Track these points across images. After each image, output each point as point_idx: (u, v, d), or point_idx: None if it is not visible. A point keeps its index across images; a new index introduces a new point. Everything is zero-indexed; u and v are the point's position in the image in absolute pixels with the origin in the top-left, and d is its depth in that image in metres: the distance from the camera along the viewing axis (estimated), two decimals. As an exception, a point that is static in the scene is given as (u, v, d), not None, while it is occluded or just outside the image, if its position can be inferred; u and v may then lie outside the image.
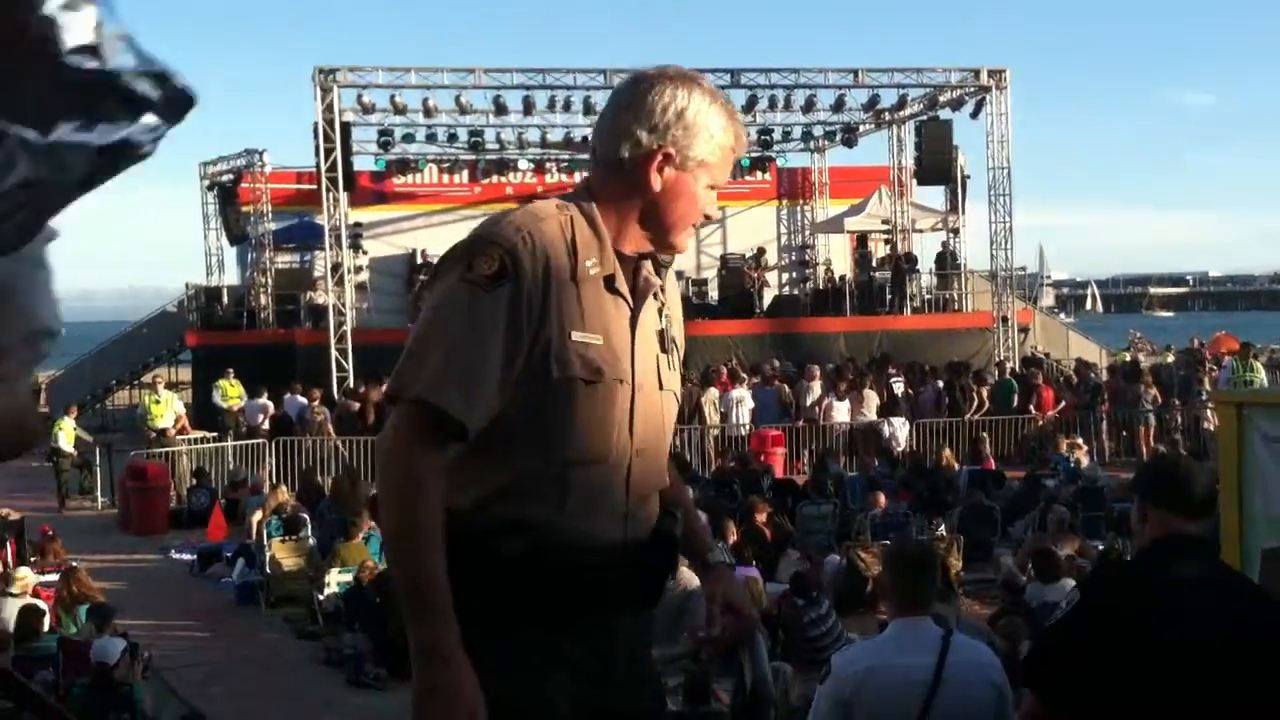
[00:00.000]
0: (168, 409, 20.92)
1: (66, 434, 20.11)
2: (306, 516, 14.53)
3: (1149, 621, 3.32)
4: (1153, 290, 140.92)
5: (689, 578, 11.83)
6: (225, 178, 30.52)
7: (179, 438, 20.58)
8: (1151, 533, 3.54)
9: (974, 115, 26.58)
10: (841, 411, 21.31)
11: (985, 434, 20.29)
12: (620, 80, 2.57)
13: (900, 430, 20.87)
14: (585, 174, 2.62)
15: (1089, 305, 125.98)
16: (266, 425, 20.72)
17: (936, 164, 27.39)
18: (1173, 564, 3.43)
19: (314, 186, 25.76)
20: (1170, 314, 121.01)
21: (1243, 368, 21.58)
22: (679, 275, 29.57)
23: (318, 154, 24.25)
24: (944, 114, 27.62)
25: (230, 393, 22.93)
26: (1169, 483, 3.59)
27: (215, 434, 21.24)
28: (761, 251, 29.58)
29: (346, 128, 25.07)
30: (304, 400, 21.56)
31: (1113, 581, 3.93)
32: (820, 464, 17.99)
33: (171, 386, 26.34)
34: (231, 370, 23.55)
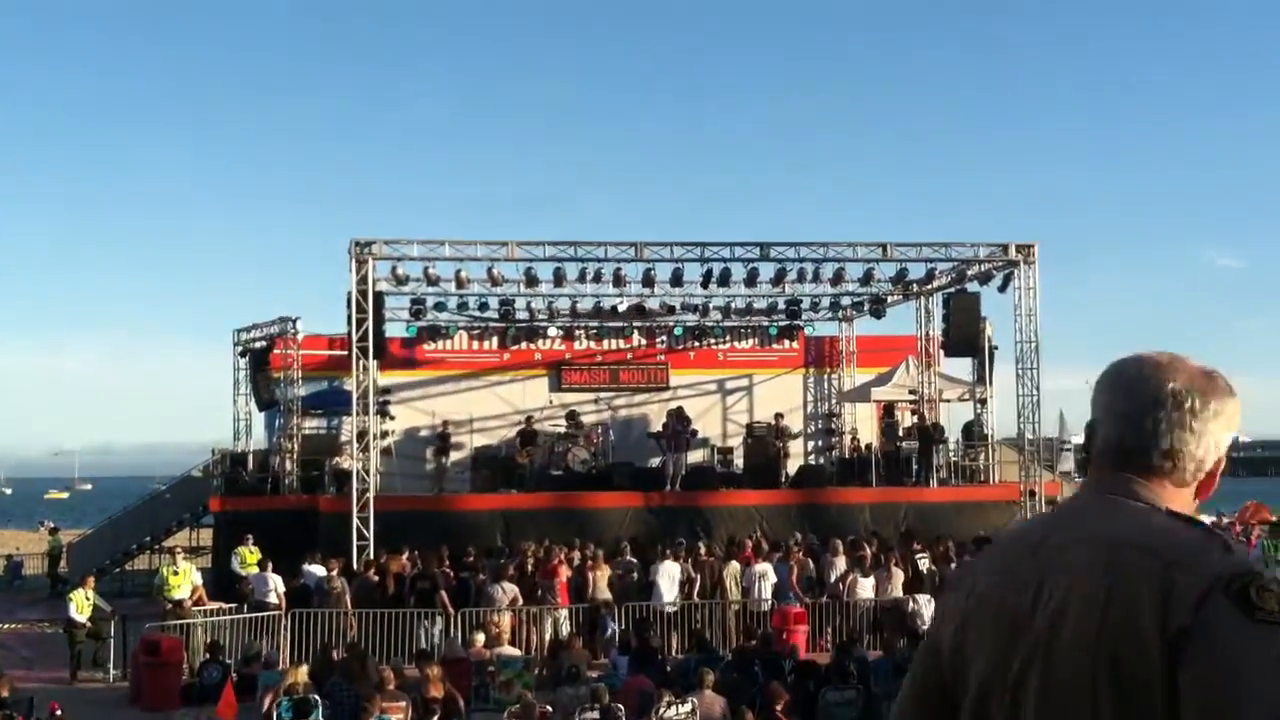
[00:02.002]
0: (185, 580, 20.78)
1: (79, 604, 20.00)
2: (317, 698, 14.26)
3: None
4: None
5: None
6: (258, 344, 30.92)
7: (195, 609, 20.39)
8: None
9: (1002, 289, 26.70)
10: (867, 588, 20.98)
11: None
12: (1176, 383, 2.29)
13: (926, 608, 20.45)
14: (1132, 481, 2.27)
15: None
16: (274, 600, 20.52)
17: (964, 335, 27.46)
18: None
19: (344, 353, 26.04)
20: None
21: (1274, 546, 21.19)
22: (704, 442, 29.82)
23: (350, 323, 24.58)
24: (972, 286, 27.77)
25: (249, 560, 22.86)
26: None
27: (233, 604, 21.04)
28: (780, 417, 29.52)
29: (380, 298, 25.46)
30: (322, 570, 21.40)
31: None
32: (843, 647, 17.60)
33: (192, 551, 26.28)
34: (250, 537, 23.50)
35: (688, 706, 14.13)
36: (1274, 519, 25.25)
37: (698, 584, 21.35)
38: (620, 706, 14.00)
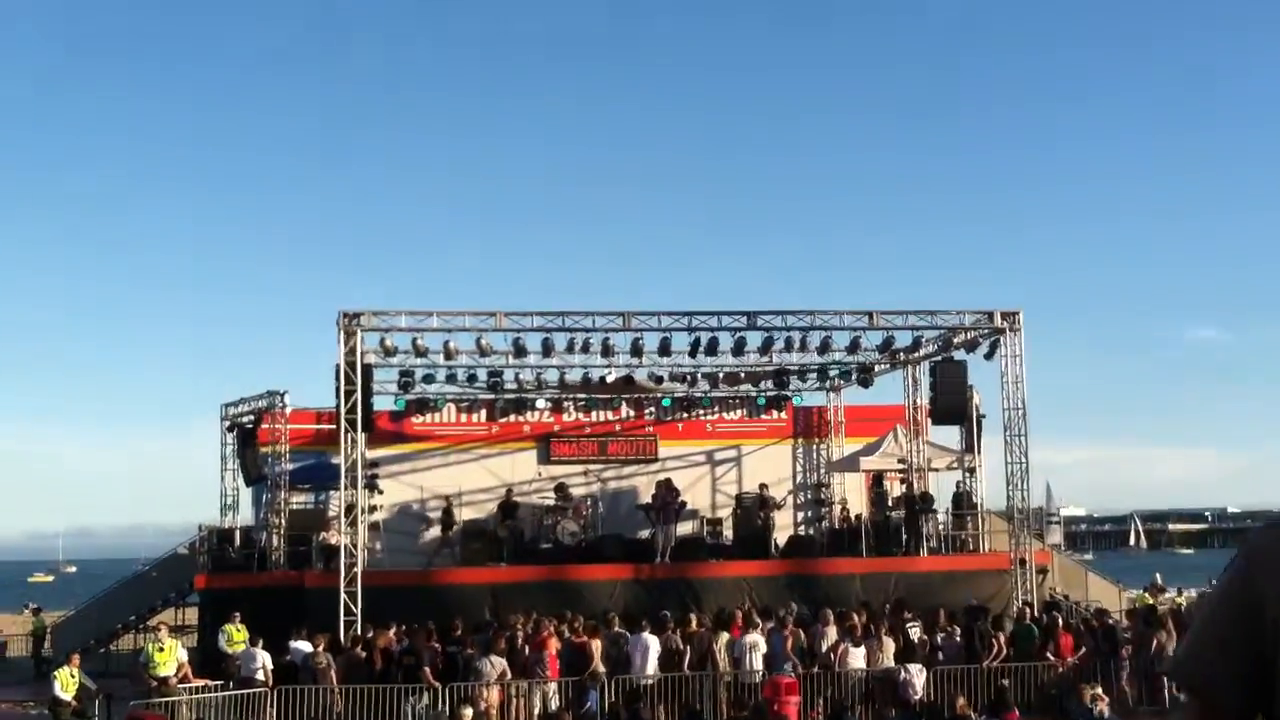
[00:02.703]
0: (170, 657, 20.60)
1: (64, 682, 19.78)
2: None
3: None
4: (1172, 527, 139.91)
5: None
6: (246, 419, 30.87)
7: (180, 686, 20.17)
8: None
9: (988, 356, 26.82)
10: (858, 658, 20.85)
11: (1006, 681, 19.79)
12: None
13: (917, 678, 20.35)
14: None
15: (1132, 541, 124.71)
16: (261, 676, 20.32)
17: (951, 404, 27.53)
18: None
19: (332, 427, 26.02)
20: (1190, 550, 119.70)
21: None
22: (693, 514, 29.70)
23: (338, 395, 24.58)
24: (958, 354, 27.90)
25: (236, 637, 22.67)
26: None
27: (220, 681, 20.83)
28: (764, 487, 29.49)
29: (368, 370, 25.50)
30: (309, 646, 21.21)
31: None
32: (836, 716, 17.47)
33: (178, 629, 26.03)
34: (238, 614, 23.31)
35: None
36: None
37: (686, 656, 21.20)
38: (610, 779, 13.84)
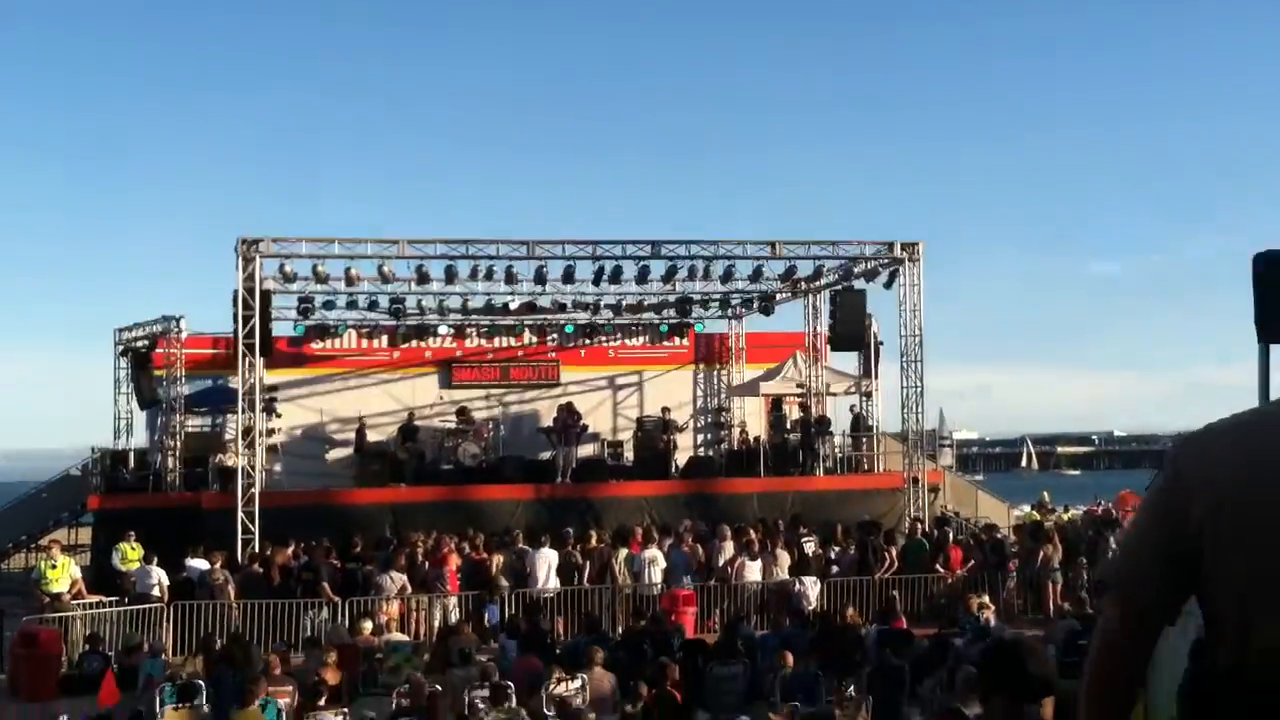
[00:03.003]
0: (64, 573, 20.32)
1: (-47, 599, 19.43)
2: (201, 683, 14.06)
3: None
4: (1060, 450, 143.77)
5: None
6: (140, 343, 30.29)
7: (74, 602, 19.94)
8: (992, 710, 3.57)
9: (887, 286, 27.25)
10: (754, 571, 21.28)
11: (895, 592, 20.37)
12: None
13: (811, 589, 20.84)
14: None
15: (1024, 462, 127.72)
16: (156, 593, 20.17)
17: (850, 331, 27.96)
18: None
19: (230, 351, 25.68)
20: (1077, 472, 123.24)
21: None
22: (594, 437, 29.89)
23: (236, 321, 24.22)
24: (859, 284, 28.28)
25: (130, 556, 22.37)
26: (1003, 668, 3.62)
27: (114, 598, 20.63)
28: (666, 410, 29.76)
29: (267, 295, 25.12)
30: (205, 564, 21.08)
31: None
32: (731, 625, 17.85)
33: (70, 549, 25.63)
34: (133, 533, 23.01)
35: (577, 683, 14.24)
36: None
37: (586, 570, 21.48)
38: (510, 685, 14.03)
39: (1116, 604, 2.68)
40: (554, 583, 20.83)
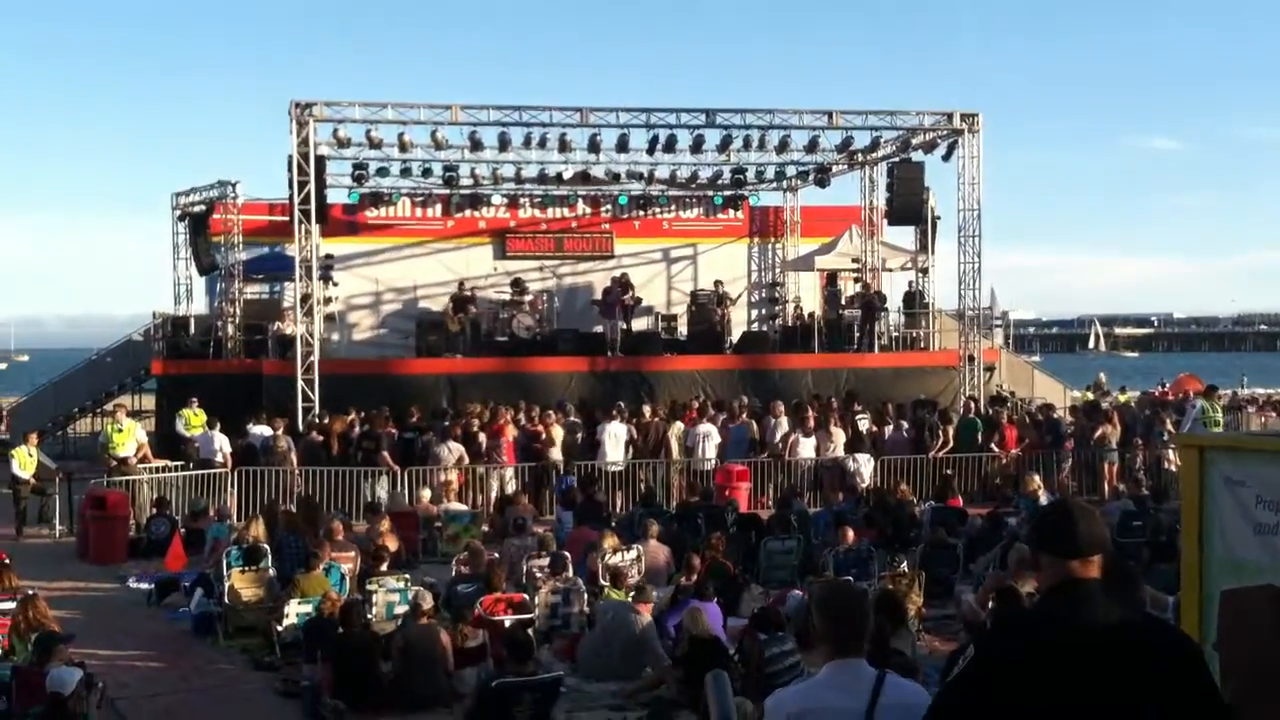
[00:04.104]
0: (129, 437, 20.74)
1: (22, 461, 19.87)
2: (267, 547, 14.39)
3: (1042, 671, 3.32)
4: (1118, 331, 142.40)
5: (646, 612, 11.82)
6: (197, 208, 30.42)
7: (140, 466, 20.38)
8: (1045, 580, 3.55)
9: (945, 158, 26.81)
10: (807, 448, 21.37)
11: (950, 471, 20.41)
12: None
13: (865, 467, 20.93)
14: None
15: (1091, 344, 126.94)
16: (220, 459, 20.55)
17: (907, 205, 27.57)
18: (1064, 612, 3.43)
19: (286, 218, 25.71)
20: (1135, 354, 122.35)
21: (1211, 408, 21.90)
22: (648, 310, 29.84)
23: (291, 186, 24.22)
24: (916, 156, 27.81)
25: (194, 422, 22.77)
26: (1053, 528, 3.60)
27: (178, 463, 21.06)
28: (719, 283, 29.64)
29: (321, 161, 25.08)
30: (268, 430, 21.42)
31: (1006, 633, 3.89)
32: (785, 500, 18.00)
33: (134, 415, 26.12)
34: (195, 399, 23.40)
35: (633, 554, 14.44)
36: (1203, 387, 25.91)
37: (641, 444, 21.65)
38: (567, 554, 14.26)
39: None
40: (621, 456, 21.00)
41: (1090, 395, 27.77)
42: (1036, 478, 18.94)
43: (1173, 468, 19.93)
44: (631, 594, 12.38)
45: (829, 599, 4.53)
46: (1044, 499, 17.84)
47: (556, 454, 21.09)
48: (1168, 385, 30.83)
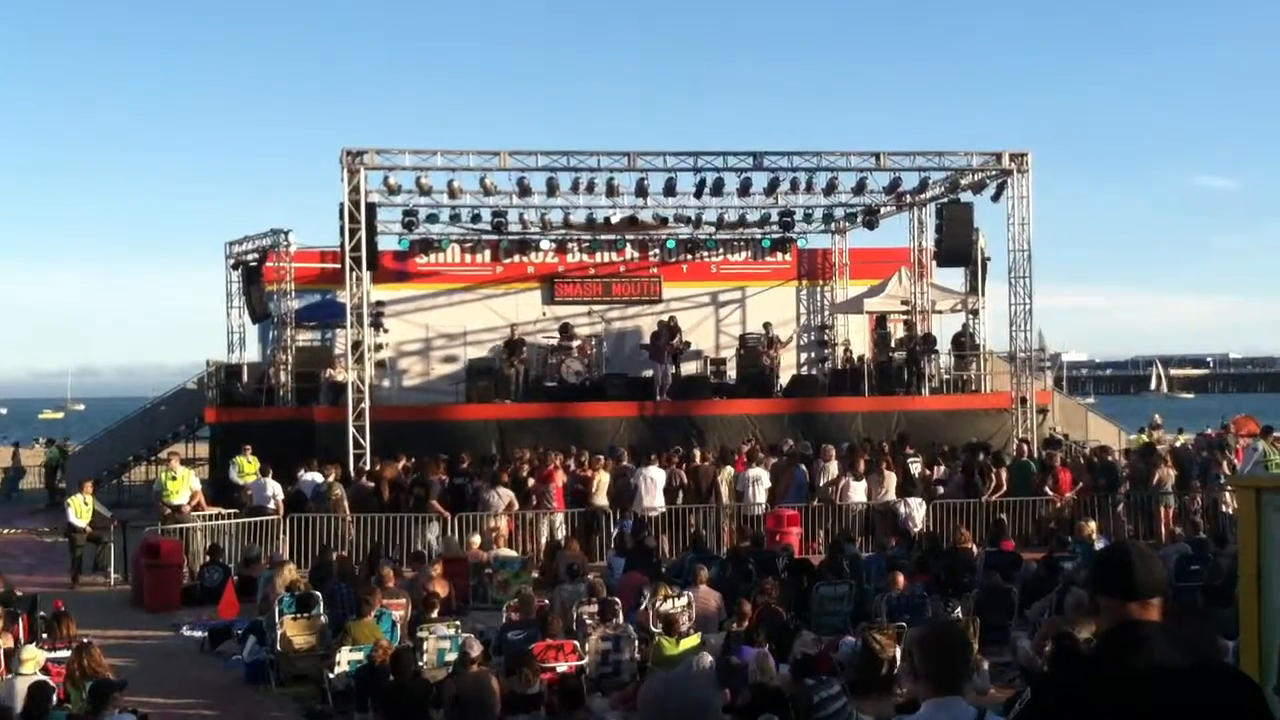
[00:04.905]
0: (184, 485, 20.93)
1: (78, 509, 20.11)
2: (319, 594, 14.44)
3: (1100, 712, 3.26)
4: (1173, 372, 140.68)
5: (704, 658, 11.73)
6: (250, 256, 30.85)
7: (194, 514, 20.56)
8: (1103, 623, 3.51)
9: (995, 198, 26.66)
10: (859, 491, 21.21)
11: (1004, 515, 20.17)
12: None
13: (917, 511, 20.73)
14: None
15: (1153, 385, 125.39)
16: (272, 506, 20.70)
17: (957, 246, 27.43)
18: (1123, 654, 3.37)
19: (337, 265, 25.99)
20: (1191, 395, 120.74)
21: (1274, 450, 21.53)
22: (697, 354, 29.85)
23: (342, 234, 24.50)
24: (965, 196, 27.70)
25: (247, 469, 22.98)
26: (1111, 570, 3.56)
27: (232, 510, 21.22)
28: (768, 326, 29.59)
29: (372, 208, 25.38)
30: (319, 478, 21.55)
31: (1064, 675, 3.86)
32: (836, 544, 17.83)
33: (188, 463, 26.38)
34: (249, 447, 23.61)
35: (684, 600, 14.36)
36: (1260, 429, 25.49)
37: (691, 489, 21.58)
38: (617, 600, 14.20)
39: None
40: (660, 501, 20.95)
41: (1145, 438, 27.35)
42: (1093, 523, 18.67)
43: (1230, 511, 19.59)
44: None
45: (933, 637, 4.52)
46: (1100, 543, 17.59)
47: (602, 499, 21.04)
48: (1228, 423, 30.34)
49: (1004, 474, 21.95)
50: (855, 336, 31.94)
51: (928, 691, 4.31)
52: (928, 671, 4.33)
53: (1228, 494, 20.53)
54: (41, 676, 10.85)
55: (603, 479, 21.29)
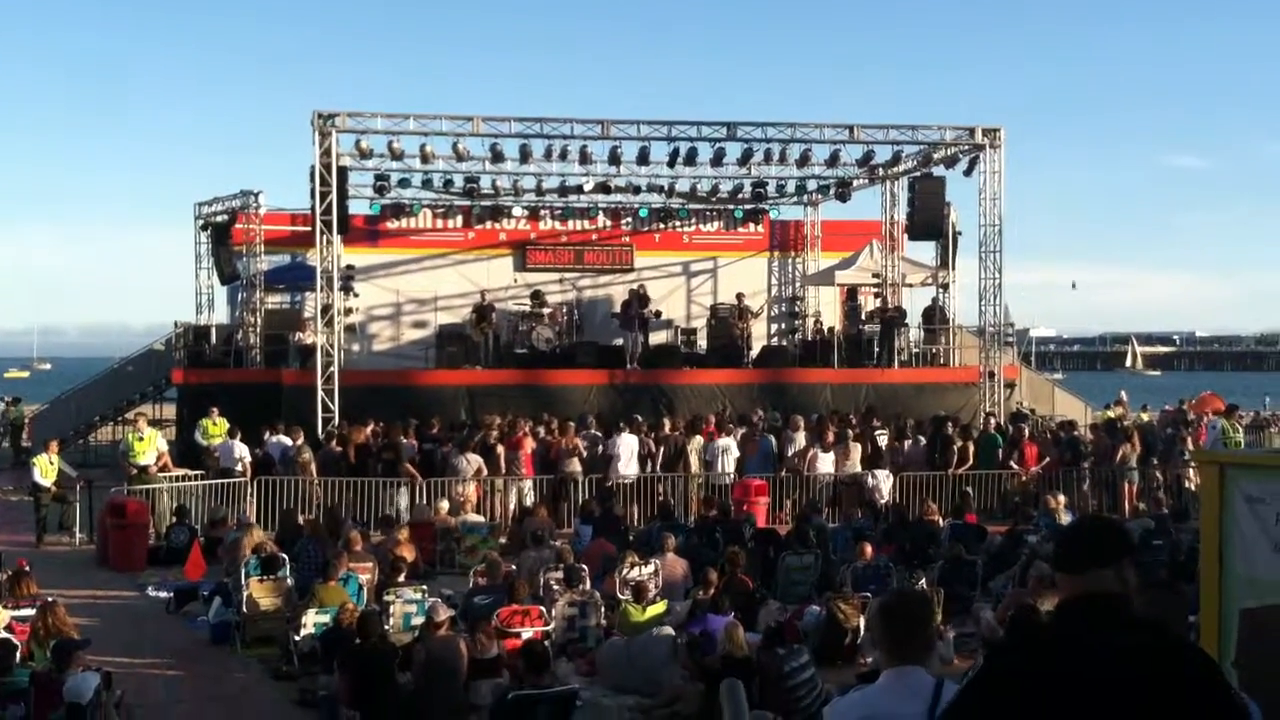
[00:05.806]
0: (150, 446, 20.79)
1: (44, 469, 19.98)
2: (285, 557, 14.41)
3: (1050, 681, 3.30)
4: (1141, 349, 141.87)
5: (665, 629, 11.80)
6: (219, 218, 30.60)
7: (160, 475, 20.45)
8: (1062, 593, 3.54)
9: (967, 173, 26.73)
10: (826, 463, 21.31)
11: (969, 488, 20.33)
12: None
13: (884, 483, 20.86)
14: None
15: (1129, 362, 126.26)
16: (240, 468, 20.62)
17: (928, 220, 27.49)
18: (1080, 623, 3.41)
19: (308, 229, 25.82)
20: (1157, 373, 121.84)
21: (1231, 428, 21.75)
22: (668, 324, 29.85)
23: (313, 197, 24.31)
24: (938, 171, 27.76)
25: (213, 431, 22.82)
26: (1071, 543, 3.60)
27: (198, 472, 21.13)
28: (741, 296, 29.60)
29: (343, 172, 25.17)
30: (287, 440, 21.47)
31: (1017, 644, 3.88)
32: (803, 515, 17.94)
33: (155, 424, 26.22)
34: (215, 409, 23.47)
35: (650, 568, 14.42)
36: (1224, 407, 25.76)
37: (660, 458, 21.63)
38: (584, 567, 14.25)
39: None
40: (633, 468, 20.98)
41: (1110, 414, 27.59)
42: (1061, 496, 18.84)
43: (1193, 487, 19.81)
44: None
45: (894, 606, 4.53)
46: (1065, 518, 17.75)
47: (576, 466, 21.05)
48: (1191, 402, 30.62)
49: (971, 447, 22.09)
50: (826, 309, 32.01)
51: (888, 661, 4.33)
52: (888, 641, 4.34)
53: (1191, 470, 20.76)
54: (4, 634, 10.82)
55: (572, 444, 21.23)
